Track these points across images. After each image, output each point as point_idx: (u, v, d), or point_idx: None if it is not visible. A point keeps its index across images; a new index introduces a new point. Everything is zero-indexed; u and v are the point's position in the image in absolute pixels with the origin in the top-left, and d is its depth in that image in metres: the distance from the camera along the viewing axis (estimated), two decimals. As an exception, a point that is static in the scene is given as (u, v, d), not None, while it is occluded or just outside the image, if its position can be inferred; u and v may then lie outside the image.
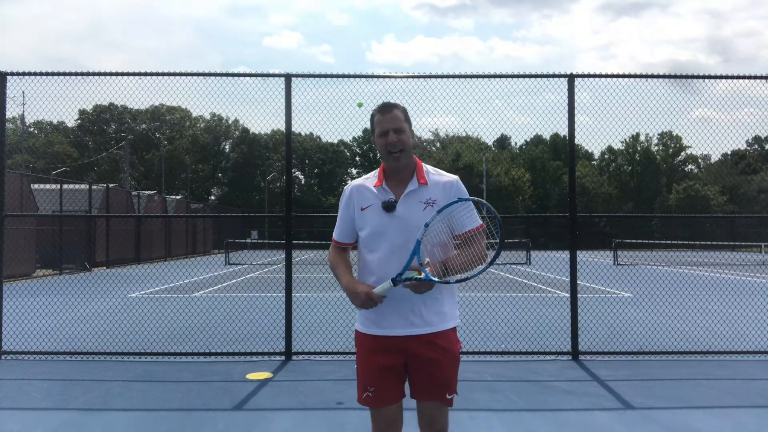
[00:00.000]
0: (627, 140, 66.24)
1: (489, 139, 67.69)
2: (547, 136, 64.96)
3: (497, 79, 7.22)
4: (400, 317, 2.71)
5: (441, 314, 2.74)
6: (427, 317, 2.71)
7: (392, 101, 2.86)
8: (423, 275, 2.56)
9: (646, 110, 7.60)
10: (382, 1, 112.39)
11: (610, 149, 67.30)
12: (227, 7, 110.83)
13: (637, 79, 7.27)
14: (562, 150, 61.47)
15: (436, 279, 2.57)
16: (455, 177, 2.82)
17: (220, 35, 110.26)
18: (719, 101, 7.60)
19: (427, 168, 2.84)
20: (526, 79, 7.34)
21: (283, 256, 7.25)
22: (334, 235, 2.93)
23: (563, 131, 7.62)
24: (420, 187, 2.75)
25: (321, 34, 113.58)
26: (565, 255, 7.85)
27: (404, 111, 2.80)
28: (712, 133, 8.41)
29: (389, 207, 2.72)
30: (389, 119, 2.73)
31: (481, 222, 2.76)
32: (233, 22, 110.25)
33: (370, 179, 2.86)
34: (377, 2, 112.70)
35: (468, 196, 2.78)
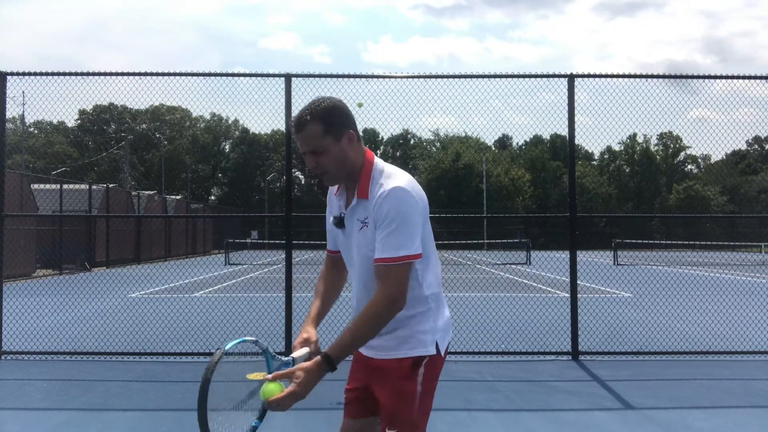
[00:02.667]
0: (625, 141, 66.34)
1: (489, 139, 67.81)
2: (546, 136, 65.07)
3: (496, 80, 7.22)
4: None
5: (399, 339, 2.26)
6: (385, 340, 2.27)
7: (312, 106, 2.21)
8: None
9: (645, 110, 7.62)
10: (378, 2, 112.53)
11: (609, 150, 67.41)
12: (225, 7, 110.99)
13: (635, 80, 7.28)
14: (561, 150, 61.51)
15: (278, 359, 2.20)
16: (388, 188, 2.16)
17: (219, 35, 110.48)
18: (717, 101, 7.63)
19: (375, 174, 2.24)
20: (524, 80, 7.35)
21: (283, 256, 7.25)
22: (327, 244, 2.58)
23: (562, 131, 7.63)
24: (359, 202, 2.24)
25: (317, 34, 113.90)
26: (565, 255, 7.85)
27: (323, 119, 2.17)
28: (710, 133, 8.43)
29: (338, 223, 2.34)
30: (302, 139, 2.20)
31: (393, 255, 2.11)
32: (231, 22, 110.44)
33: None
34: (373, 3, 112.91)
35: (401, 212, 2.13)
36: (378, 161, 2.29)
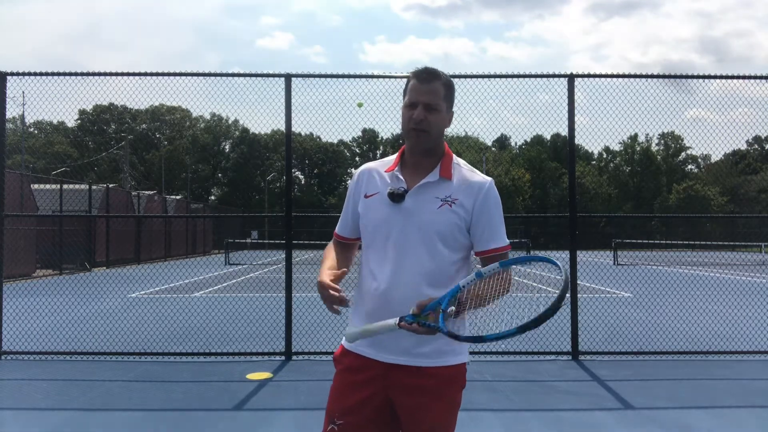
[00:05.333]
0: (625, 141, 66.35)
1: (488, 139, 67.83)
2: (546, 136, 65.10)
3: (494, 80, 7.22)
4: (393, 339, 2.13)
5: (438, 350, 2.16)
6: (421, 348, 2.14)
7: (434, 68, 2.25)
8: (436, 323, 1.95)
9: (642, 110, 7.62)
10: (373, 3, 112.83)
11: (607, 150, 67.44)
12: (223, 7, 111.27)
13: (631, 80, 7.29)
14: (561, 150, 61.50)
15: (446, 330, 1.93)
16: (489, 179, 2.24)
17: (218, 36, 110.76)
18: (714, 101, 7.62)
19: (458, 161, 2.28)
20: (521, 80, 7.36)
21: (283, 256, 7.25)
22: (336, 228, 2.42)
23: (559, 131, 7.64)
24: (440, 181, 2.19)
25: (313, 35, 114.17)
26: (565, 255, 7.84)
27: (448, 86, 2.23)
28: (708, 132, 8.44)
29: (396, 197, 2.18)
30: (425, 91, 2.17)
31: (508, 242, 2.25)
32: (229, 22, 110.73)
33: (384, 162, 2.34)
34: (369, 3, 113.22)
35: (500, 207, 2.23)
36: None
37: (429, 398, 2.14)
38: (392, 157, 2.33)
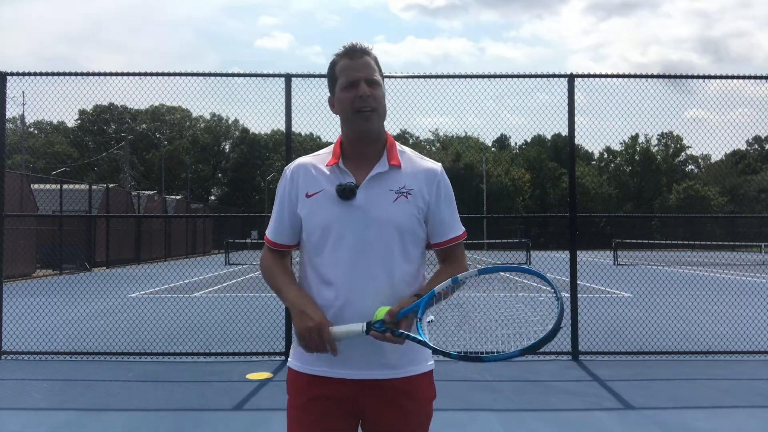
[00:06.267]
0: (626, 141, 66.40)
1: (488, 139, 67.90)
2: (546, 136, 65.17)
3: (493, 80, 7.22)
4: (358, 352, 1.92)
5: (409, 356, 1.97)
6: (391, 358, 1.94)
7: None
8: (417, 334, 1.81)
9: (641, 110, 7.63)
10: (372, 3, 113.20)
11: (608, 150, 67.51)
12: (222, 7, 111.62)
13: (631, 80, 7.29)
14: (561, 151, 61.54)
15: (432, 345, 1.80)
16: (439, 165, 2.10)
17: (216, 36, 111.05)
18: (714, 101, 7.65)
19: (402, 147, 2.08)
20: (520, 80, 7.36)
21: (283, 256, 7.24)
22: (268, 233, 2.10)
23: (558, 131, 7.66)
24: (391, 170, 1.99)
25: (312, 35, 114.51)
26: (565, 255, 7.84)
27: (377, 60, 2.03)
28: (708, 133, 8.47)
29: (347, 192, 1.94)
30: (360, 66, 1.97)
31: (464, 229, 2.10)
32: (228, 22, 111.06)
33: (321, 156, 2.08)
34: (368, 3, 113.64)
35: (452, 193, 2.09)
36: None
37: (405, 416, 1.97)
38: (328, 150, 2.09)
